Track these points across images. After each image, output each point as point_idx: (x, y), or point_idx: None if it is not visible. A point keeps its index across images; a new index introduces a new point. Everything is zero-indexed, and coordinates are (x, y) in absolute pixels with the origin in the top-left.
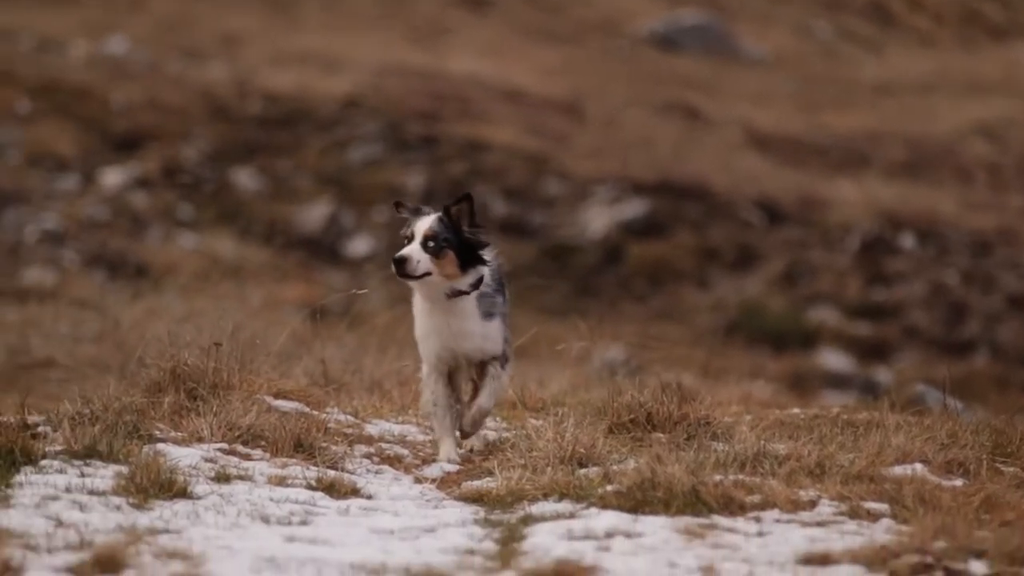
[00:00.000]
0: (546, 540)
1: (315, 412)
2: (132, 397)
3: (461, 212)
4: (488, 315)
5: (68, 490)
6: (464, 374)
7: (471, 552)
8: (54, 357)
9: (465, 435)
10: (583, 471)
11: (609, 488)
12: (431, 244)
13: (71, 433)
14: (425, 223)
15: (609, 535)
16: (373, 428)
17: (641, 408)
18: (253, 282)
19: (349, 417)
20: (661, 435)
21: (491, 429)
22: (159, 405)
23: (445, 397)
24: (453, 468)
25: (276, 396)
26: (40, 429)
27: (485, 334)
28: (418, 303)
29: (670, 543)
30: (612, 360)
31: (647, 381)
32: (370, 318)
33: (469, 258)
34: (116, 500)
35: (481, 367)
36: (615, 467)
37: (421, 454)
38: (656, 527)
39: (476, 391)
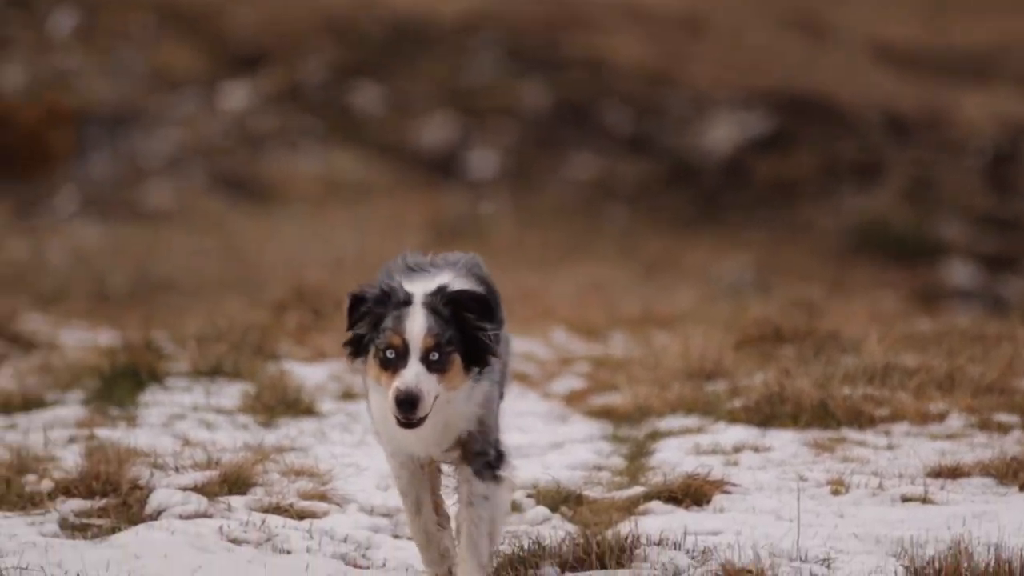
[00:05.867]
0: (674, 455)
1: None
2: (256, 316)
3: (468, 305)
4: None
5: (195, 409)
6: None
7: (599, 468)
8: (177, 277)
9: None
10: (711, 386)
11: (737, 403)
12: (435, 357)
13: (197, 352)
14: (419, 323)
15: (737, 449)
16: None
17: (769, 323)
18: (375, 201)
19: None
20: (789, 349)
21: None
22: (283, 323)
23: (414, 486)
24: None
25: None
26: (165, 348)
27: (464, 409)
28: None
29: (799, 457)
30: (738, 275)
31: (774, 296)
32: (492, 236)
33: (476, 357)
34: (243, 418)
35: (461, 469)
36: (743, 382)
37: (547, 371)
38: (785, 441)
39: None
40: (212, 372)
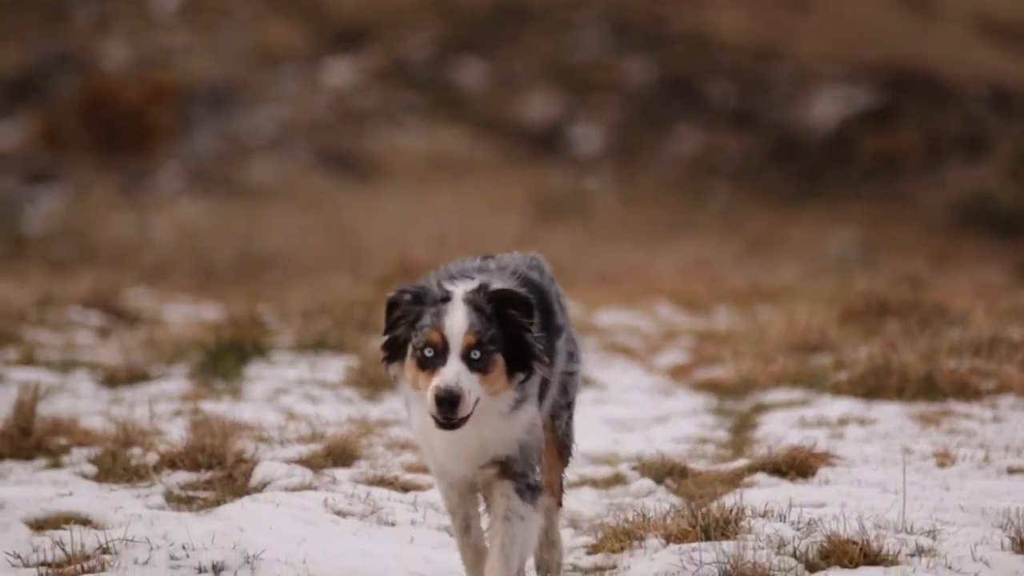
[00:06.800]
0: (779, 428)
1: None
2: (360, 291)
3: (511, 304)
4: (515, 402)
5: (299, 382)
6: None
7: (703, 441)
8: (281, 253)
9: None
10: (815, 359)
11: (842, 376)
12: (476, 355)
13: (301, 326)
14: (460, 319)
15: (842, 422)
16: (603, 318)
17: (874, 296)
18: (478, 177)
19: (579, 307)
20: (894, 323)
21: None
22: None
23: (463, 505)
24: None
25: None
26: (269, 323)
27: (502, 438)
28: (407, 393)
29: (904, 429)
30: (843, 250)
31: (879, 270)
32: (596, 212)
33: (520, 360)
34: (347, 392)
35: (501, 484)
36: (848, 355)
37: (652, 344)
38: (890, 414)
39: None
40: (316, 346)
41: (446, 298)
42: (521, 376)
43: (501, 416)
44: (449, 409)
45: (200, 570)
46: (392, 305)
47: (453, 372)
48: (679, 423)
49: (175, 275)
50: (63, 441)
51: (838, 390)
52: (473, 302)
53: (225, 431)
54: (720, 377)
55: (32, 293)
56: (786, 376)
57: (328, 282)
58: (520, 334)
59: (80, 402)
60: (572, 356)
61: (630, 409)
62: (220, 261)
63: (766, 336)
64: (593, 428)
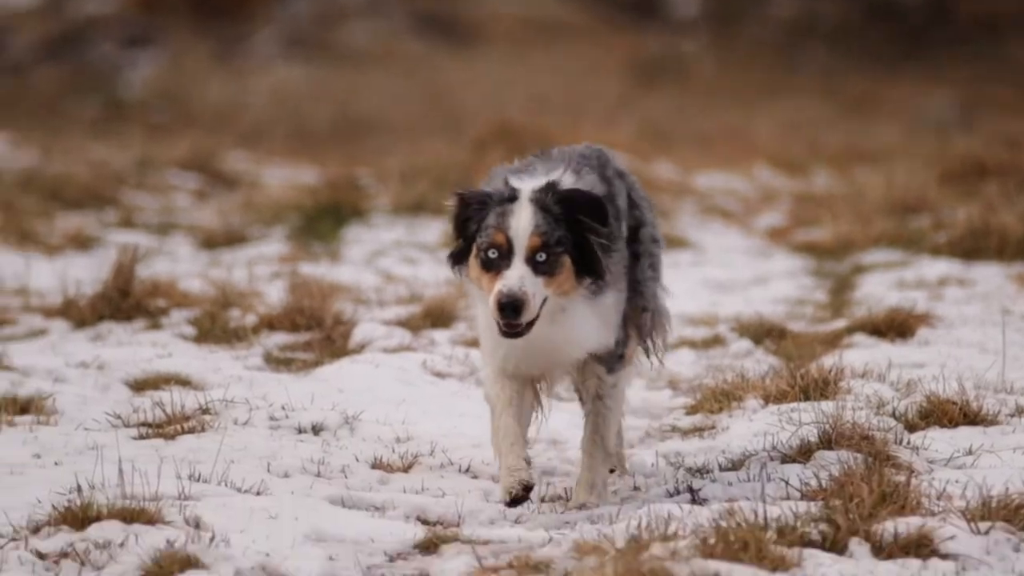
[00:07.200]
0: (877, 289)
1: (643, 164)
2: (457, 153)
3: (582, 207)
4: (590, 293)
5: (397, 245)
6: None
7: (801, 302)
8: (377, 117)
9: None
10: (914, 221)
11: (941, 237)
12: (542, 258)
13: (399, 189)
14: (526, 220)
15: (941, 283)
16: (701, 180)
17: (972, 158)
18: (575, 41)
19: (676, 170)
20: (993, 184)
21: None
22: (484, 160)
23: (513, 403)
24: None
25: None
26: (367, 186)
27: (587, 329)
28: (476, 291)
29: (1003, 290)
30: (941, 111)
31: (977, 132)
32: (692, 75)
33: (588, 263)
34: (444, 254)
35: (589, 365)
36: (947, 216)
37: (750, 207)
38: (989, 275)
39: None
40: (414, 209)
41: (512, 197)
42: (589, 280)
43: (583, 309)
44: (512, 314)
45: (299, 430)
46: (462, 204)
47: (516, 276)
48: (777, 284)
49: (272, 139)
50: (162, 303)
51: (937, 251)
52: (540, 202)
53: (323, 293)
54: (818, 239)
55: (131, 156)
56: (884, 237)
57: (425, 146)
58: (589, 241)
59: (178, 264)
60: (656, 242)
61: (728, 271)
62: (317, 125)
63: (864, 197)
64: (691, 290)
